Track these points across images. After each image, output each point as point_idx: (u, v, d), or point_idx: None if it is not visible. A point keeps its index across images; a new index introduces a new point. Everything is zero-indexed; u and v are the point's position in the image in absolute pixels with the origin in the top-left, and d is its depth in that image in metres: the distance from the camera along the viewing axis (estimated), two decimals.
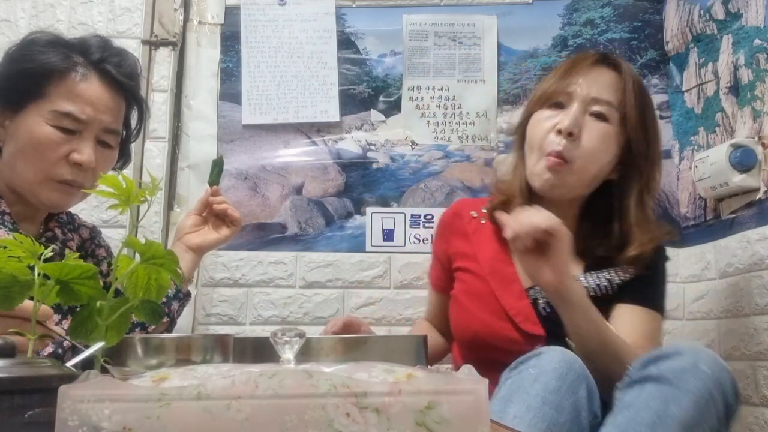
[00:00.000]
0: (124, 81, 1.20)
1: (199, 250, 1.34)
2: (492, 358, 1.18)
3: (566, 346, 1.10)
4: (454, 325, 1.30)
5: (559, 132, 1.16)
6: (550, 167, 1.16)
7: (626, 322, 1.16)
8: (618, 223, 1.21)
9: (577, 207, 1.25)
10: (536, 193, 1.23)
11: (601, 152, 1.18)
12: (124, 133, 1.27)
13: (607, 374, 1.02)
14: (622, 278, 1.19)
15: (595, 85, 1.19)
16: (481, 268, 1.26)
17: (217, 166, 1.39)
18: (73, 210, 1.32)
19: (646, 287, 1.20)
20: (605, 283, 1.19)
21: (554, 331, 1.15)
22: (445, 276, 1.37)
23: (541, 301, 1.19)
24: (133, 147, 1.39)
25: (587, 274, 1.21)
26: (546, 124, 1.19)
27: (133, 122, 1.29)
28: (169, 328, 1.32)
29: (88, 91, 1.15)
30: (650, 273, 1.20)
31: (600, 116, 1.18)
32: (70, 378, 0.52)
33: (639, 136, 1.20)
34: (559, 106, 1.20)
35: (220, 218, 1.36)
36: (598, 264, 1.21)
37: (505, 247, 1.24)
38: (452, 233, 1.36)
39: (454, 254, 1.34)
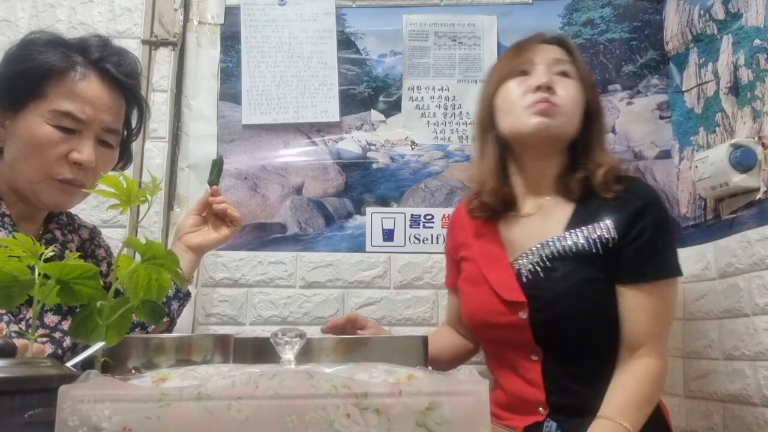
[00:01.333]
0: (123, 80, 1.19)
1: (199, 250, 1.34)
2: (495, 337, 1.25)
3: (548, 310, 1.18)
4: (462, 314, 1.36)
5: (538, 88, 1.23)
6: (539, 110, 1.22)
7: (630, 309, 1.18)
8: (587, 155, 1.28)
9: (557, 157, 1.30)
10: (514, 153, 1.31)
11: (577, 101, 1.27)
12: (125, 132, 1.26)
13: None
14: (606, 238, 1.20)
15: (552, 52, 1.30)
16: (474, 253, 1.33)
17: (217, 166, 1.39)
18: (73, 210, 1.32)
19: (641, 255, 1.19)
20: (583, 242, 1.21)
21: (534, 296, 1.20)
22: (458, 273, 1.41)
23: (524, 270, 1.23)
24: (134, 147, 1.39)
25: (569, 231, 1.23)
26: (519, 88, 1.26)
27: (134, 122, 1.29)
28: (169, 328, 1.32)
29: (88, 90, 1.14)
30: (642, 239, 1.20)
31: (565, 74, 1.28)
32: (70, 378, 0.52)
33: (591, 91, 1.32)
34: (525, 73, 1.28)
35: (219, 218, 1.36)
36: (580, 216, 1.24)
37: (493, 227, 1.32)
38: (456, 228, 1.45)
39: (458, 247, 1.41)
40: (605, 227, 1.20)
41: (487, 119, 1.32)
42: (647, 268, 1.18)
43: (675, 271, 1.22)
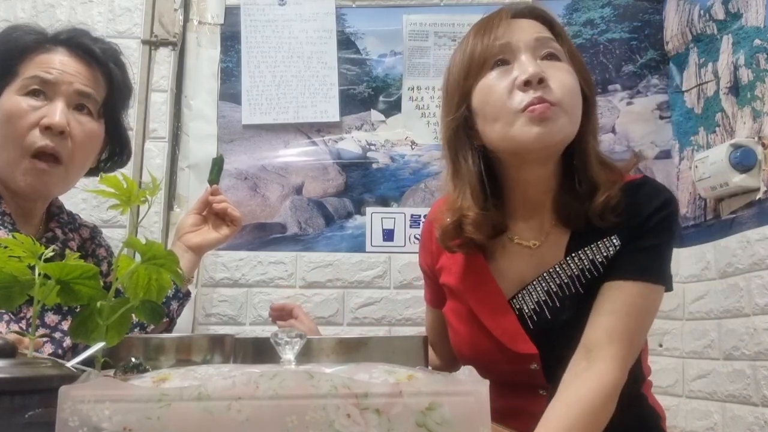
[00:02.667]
0: (92, 48, 1.18)
1: (199, 250, 1.34)
2: (495, 378, 0.90)
3: (559, 358, 0.97)
4: (452, 344, 1.15)
5: (527, 83, 0.95)
6: (537, 116, 0.93)
7: (603, 302, 0.97)
8: (581, 171, 1.01)
9: (554, 163, 1.04)
10: (503, 167, 1.05)
11: (575, 91, 0.99)
12: (110, 110, 1.21)
13: None
14: (605, 254, 0.99)
15: (530, 28, 1.01)
16: (461, 284, 1.09)
17: (217, 165, 1.38)
18: (73, 210, 1.32)
19: (636, 252, 0.99)
20: (589, 266, 1.00)
21: (545, 344, 1.00)
22: (438, 289, 1.19)
23: (526, 310, 1.02)
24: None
25: (571, 256, 1.01)
26: (501, 85, 0.97)
27: (117, 102, 1.24)
28: (169, 328, 1.32)
29: (55, 58, 1.14)
30: (642, 237, 0.99)
31: (553, 56, 1.00)
32: (70, 378, 0.52)
33: (583, 74, 1.04)
34: (504, 62, 0.99)
35: (220, 217, 1.35)
36: (582, 237, 1.02)
37: (478, 254, 1.07)
38: (432, 245, 1.18)
39: (437, 269, 1.17)
40: (611, 245, 0.99)
41: (463, 128, 1.04)
42: (637, 266, 0.98)
43: (662, 279, 1.01)
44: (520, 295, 1.04)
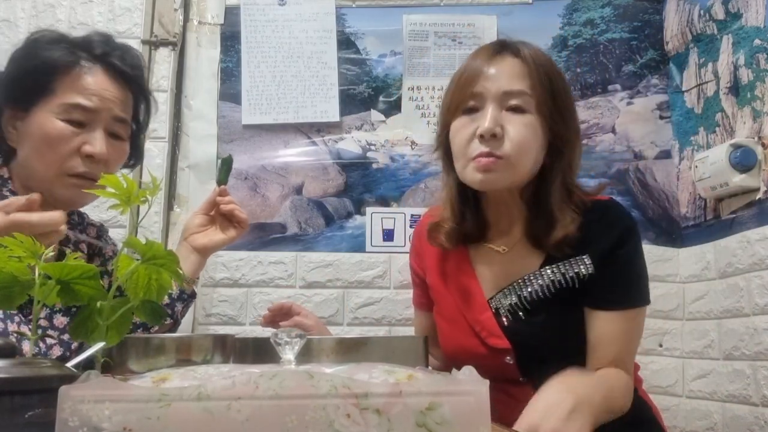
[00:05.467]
0: (128, 71, 1.20)
1: (205, 251, 1.33)
2: (478, 371, 1.13)
3: (532, 355, 1.12)
4: (441, 346, 1.27)
5: (482, 136, 1.09)
6: (481, 167, 1.09)
7: (602, 334, 1.11)
8: (543, 205, 1.15)
9: (519, 194, 1.18)
10: (470, 195, 1.20)
11: (530, 142, 1.10)
12: (134, 127, 1.27)
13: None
14: (583, 273, 1.12)
15: (503, 77, 1.12)
16: (447, 286, 1.23)
17: (226, 165, 1.36)
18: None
19: (617, 284, 1.12)
20: (560, 278, 1.13)
21: (519, 342, 1.13)
22: (425, 292, 1.32)
23: (502, 310, 1.16)
24: (145, 145, 1.39)
25: (545, 268, 1.15)
26: (465, 132, 1.12)
27: (142, 116, 1.29)
28: (173, 329, 1.31)
29: (94, 83, 1.15)
30: (618, 266, 1.12)
31: (518, 109, 1.11)
32: (70, 378, 0.52)
33: (556, 119, 1.13)
34: (474, 110, 1.13)
35: (227, 218, 1.35)
36: (556, 257, 1.15)
37: (465, 258, 1.22)
38: (422, 248, 1.31)
39: (426, 269, 1.30)
40: (583, 263, 1.12)
41: (445, 149, 1.19)
42: (620, 296, 1.12)
43: (645, 300, 1.15)
44: (497, 297, 1.17)
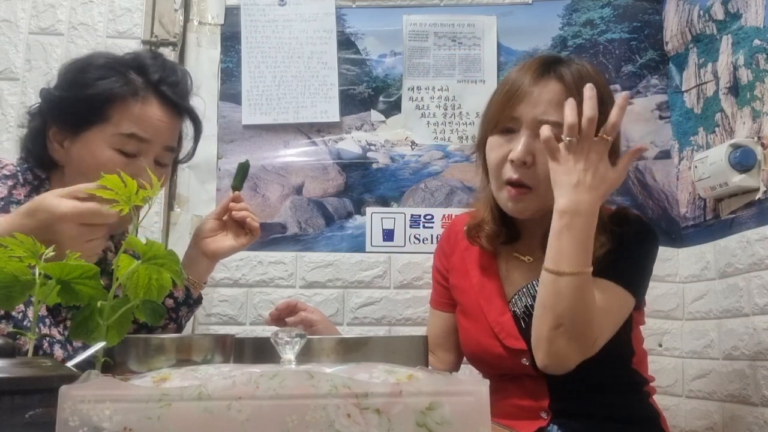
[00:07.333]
0: (181, 103, 1.22)
1: (214, 256, 1.31)
2: (496, 371, 1.20)
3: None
4: (461, 344, 1.31)
5: (513, 161, 1.12)
6: (511, 197, 1.14)
7: None
8: None
9: (550, 217, 1.14)
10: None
11: None
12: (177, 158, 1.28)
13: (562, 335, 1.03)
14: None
15: (541, 104, 1.12)
16: (472, 285, 1.26)
17: (242, 170, 1.34)
18: None
19: (617, 261, 1.12)
20: None
21: None
22: (446, 291, 1.35)
23: (519, 311, 1.19)
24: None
25: None
26: (499, 152, 1.15)
27: (185, 142, 1.30)
28: (177, 333, 1.31)
29: (150, 113, 1.16)
30: (624, 248, 1.13)
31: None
32: (70, 378, 0.52)
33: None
34: (510, 131, 1.15)
35: (239, 225, 1.33)
36: None
37: (492, 260, 1.26)
38: (449, 249, 1.36)
39: (450, 270, 1.34)
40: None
41: (483, 154, 1.21)
42: (614, 270, 1.11)
43: (635, 288, 1.14)
44: (516, 297, 1.21)
